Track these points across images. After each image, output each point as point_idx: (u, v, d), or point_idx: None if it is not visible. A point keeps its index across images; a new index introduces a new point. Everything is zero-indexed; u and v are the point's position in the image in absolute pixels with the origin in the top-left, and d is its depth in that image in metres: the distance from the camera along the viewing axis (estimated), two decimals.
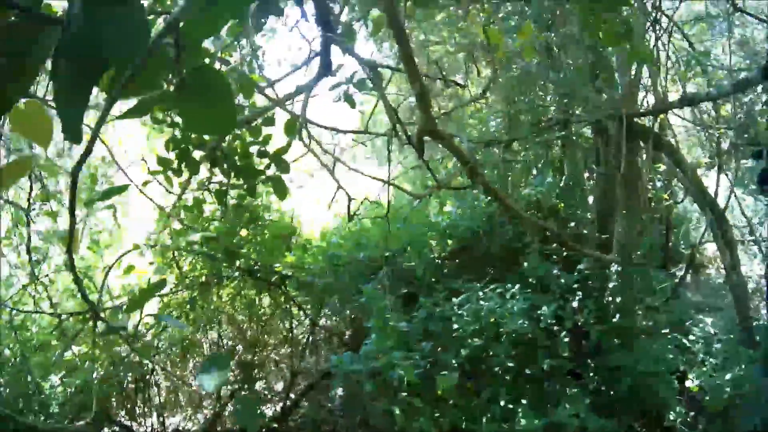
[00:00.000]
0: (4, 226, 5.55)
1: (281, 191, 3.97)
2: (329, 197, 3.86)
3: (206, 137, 3.83)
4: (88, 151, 0.95)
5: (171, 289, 6.05)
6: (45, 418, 4.99)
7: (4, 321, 5.13)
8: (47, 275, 5.46)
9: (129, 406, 6.26)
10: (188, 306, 6.05)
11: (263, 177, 3.90)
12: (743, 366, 5.08)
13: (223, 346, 6.63)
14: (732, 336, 5.67)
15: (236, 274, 6.01)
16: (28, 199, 4.94)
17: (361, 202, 3.77)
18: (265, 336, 6.99)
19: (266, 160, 3.85)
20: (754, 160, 7.15)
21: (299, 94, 3.32)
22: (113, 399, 6.05)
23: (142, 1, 0.85)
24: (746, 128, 6.92)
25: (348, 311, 6.80)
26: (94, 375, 5.41)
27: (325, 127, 3.72)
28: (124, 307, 1.71)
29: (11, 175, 1.29)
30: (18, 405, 4.91)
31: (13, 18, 0.83)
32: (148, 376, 6.17)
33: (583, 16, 2.86)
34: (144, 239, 5.32)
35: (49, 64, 0.84)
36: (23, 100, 1.16)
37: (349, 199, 3.50)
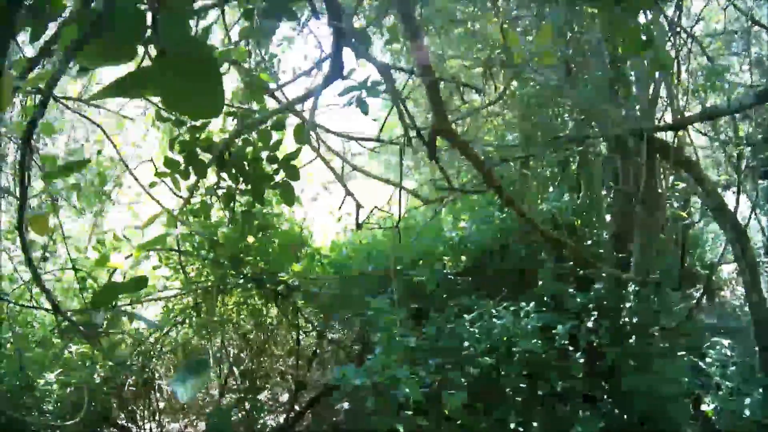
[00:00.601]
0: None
1: (289, 198, 3.88)
2: (342, 209, 3.75)
3: (215, 140, 3.77)
4: (43, 104, 0.88)
5: (176, 294, 5.99)
6: (38, 414, 4.93)
7: (4, 315, 5.10)
8: (49, 271, 5.42)
9: (130, 409, 6.18)
10: (192, 311, 5.97)
11: (272, 182, 3.82)
12: (761, 390, 4.88)
13: (228, 353, 6.54)
14: (749, 359, 5.47)
15: (242, 281, 5.92)
16: (32, 191, 4.90)
17: (371, 211, 3.66)
18: (272, 346, 6.89)
19: (275, 166, 3.77)
20: (764, 179, 6.98)
21: (309, 98, 3.24)
22: (114, 401, 5.98)
23: None
24: (764, 149, 6.74)
25: (356, 324, 6.68)
26: (94, 376, 5.34)
27: (336, 133, 3.63)
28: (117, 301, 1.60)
29: None
30: (11, 400, 4.86)
31: None
32: (150, 381, 6.10)
33: (604, 22, 2.77)
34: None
35: None
36: None
37: (358, 207, 3.40)
